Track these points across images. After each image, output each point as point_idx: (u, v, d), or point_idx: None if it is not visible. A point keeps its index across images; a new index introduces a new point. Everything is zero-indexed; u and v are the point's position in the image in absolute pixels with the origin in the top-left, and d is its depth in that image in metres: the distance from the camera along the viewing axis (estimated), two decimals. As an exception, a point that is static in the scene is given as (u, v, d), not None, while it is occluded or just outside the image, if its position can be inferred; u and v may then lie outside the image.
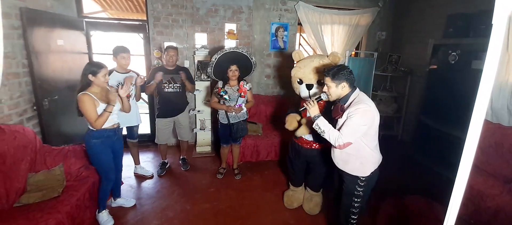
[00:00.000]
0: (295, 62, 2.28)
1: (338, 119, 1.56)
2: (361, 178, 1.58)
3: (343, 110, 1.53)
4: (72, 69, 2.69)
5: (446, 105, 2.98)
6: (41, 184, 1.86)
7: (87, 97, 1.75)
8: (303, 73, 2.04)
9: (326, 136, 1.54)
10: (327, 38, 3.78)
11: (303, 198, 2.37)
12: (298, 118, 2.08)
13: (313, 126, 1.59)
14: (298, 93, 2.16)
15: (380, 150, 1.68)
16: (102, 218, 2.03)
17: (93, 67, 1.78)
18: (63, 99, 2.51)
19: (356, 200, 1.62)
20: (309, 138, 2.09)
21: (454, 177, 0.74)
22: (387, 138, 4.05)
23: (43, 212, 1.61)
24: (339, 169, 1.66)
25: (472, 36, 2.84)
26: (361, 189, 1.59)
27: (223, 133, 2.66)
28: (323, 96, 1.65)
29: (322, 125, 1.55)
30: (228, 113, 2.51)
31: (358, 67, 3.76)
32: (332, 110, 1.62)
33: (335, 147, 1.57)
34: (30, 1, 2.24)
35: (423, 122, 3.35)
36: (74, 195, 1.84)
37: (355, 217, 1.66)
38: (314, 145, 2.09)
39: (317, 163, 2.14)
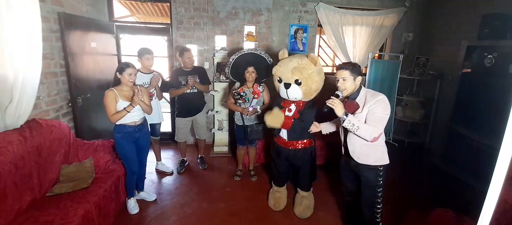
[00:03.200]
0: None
1: (355, 114, 1.57)
2: (380, 168, 1.62)
3: (357, 105, 1.56)
4: (103, 70, 2.89)
5: (480, 112, 2.75)
6: (73, 175, 2.01)
7: (110, 93, 1.90)
8: (282, 72, 1.99)
9: (360, 132, 1.50)
10: (349, 39, 3.68)
11: (293, 201, 2.34)
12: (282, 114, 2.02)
13: (344, 124, 1.52)
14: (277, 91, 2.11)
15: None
16: (130, 204, 2.22)
17: (121, 66, 1.95)
18: (94, 97, 2.70)
19: (379, 190, 1.65)
20: (285, 137, 2.09)
21: (486, 189, 0.69)
22: (413, 146, 3.83)
23: (73, 202, 1.74)
24: (359, 164, 1.64)
25: (509, 38, 2.60)
26: (381, 179, 1.63)
27: (238, 134, 2.70)
28: (339, 93, 1.62)
29: (355, 121, 1.51)
30: (243, 115, 2.54)
31: (381, 70, 3.62)
32: (345, 106, 1.58)
33: (368, 141, 1.54)
34: (67, 6, 2.44)
35: (453, 129, 3.13)
36: (102, 186, 1.96)
37: (380, 207, 1.68)
38: (294, 144, 2.08)
39: (301, 162, 2.14)
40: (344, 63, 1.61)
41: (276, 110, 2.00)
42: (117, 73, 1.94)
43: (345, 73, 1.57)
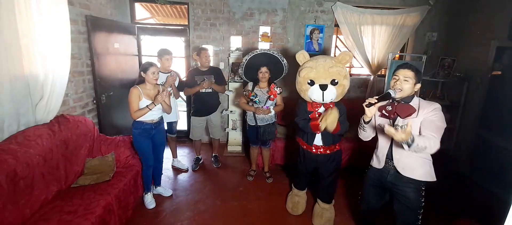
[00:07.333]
0: (301, 64, 2.04)
1: (407, 119, 1.41)
2: (423, 186, 1.46)
3: (413, 109, 1.41)
4: (124, 70, 3.03)
5: (510, 118, 2.56)
6: (96, 168, 2.13)
7: (134, 90, 2.01)
8: (316, 74, 1.88)
9: (429, 151, 1.31)
10: (367, 40, 3.57)
11: (312, 210, 2.25)
12: None
13: (412, 149, 1.28)
14: (309, 98, 1.96)
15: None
16: (147, 199, 2.30)
17: (145, 65, 2.05)
18: (116, 95, 2.85)
19: (420, 212, 1.47)
20: (319, 143, 2.00)
21: (511, 198, 0.65)
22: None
23: (96, 194, 1.84)
24: (401, 178, 1.47)
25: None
26: (423, 199, 1.46)
27: (250, 135, 2.71)
28: (392, 92, 1.42)
29: (421, 141, 1.28)
30: (256, 115, 2.54)
31: (402, 72, 3.47)
32: (398, 109, 1.42)
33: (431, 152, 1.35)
34: (94, 10, 2.58)
35: (481, 136, 2.94)
36: (122, 180, 2.06)
37: None
38: (321, 149, 2.00)
39: (331, 168, 2.05)
40: (409, 64, 1.46)
41: (334, 111, 1.76)
42: (142, 72, 2.04)
43: (410, 74, 1.41)
